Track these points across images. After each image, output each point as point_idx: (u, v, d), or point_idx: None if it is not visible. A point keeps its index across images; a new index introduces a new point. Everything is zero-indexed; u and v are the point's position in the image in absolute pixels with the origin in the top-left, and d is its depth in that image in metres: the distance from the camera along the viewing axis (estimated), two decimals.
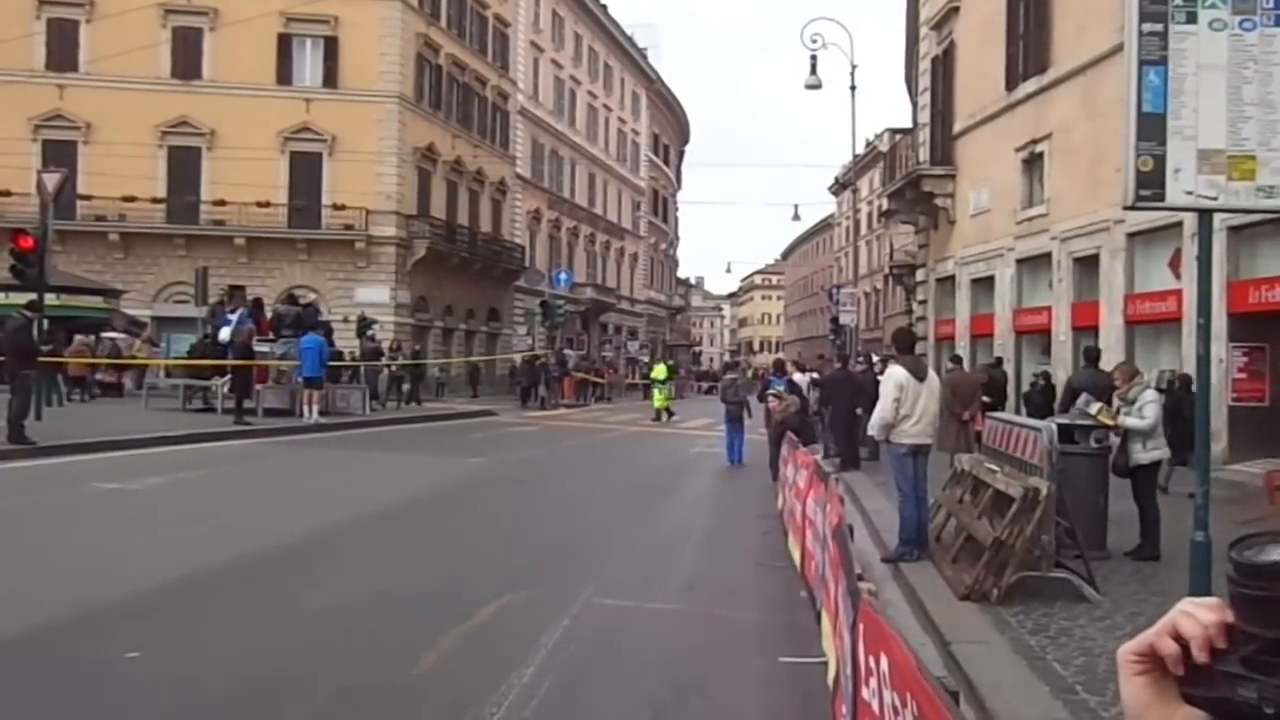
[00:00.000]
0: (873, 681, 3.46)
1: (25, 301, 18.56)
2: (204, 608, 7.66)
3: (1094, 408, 10.78)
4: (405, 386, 35.55)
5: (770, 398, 17.85)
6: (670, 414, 35.20)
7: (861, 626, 3.81)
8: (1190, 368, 12.54)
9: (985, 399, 17.60)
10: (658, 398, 35.90)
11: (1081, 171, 21.30)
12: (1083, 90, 21.25)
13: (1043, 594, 8.14)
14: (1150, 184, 6.64)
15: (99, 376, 30.74)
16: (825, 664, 5.99)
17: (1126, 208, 7.16)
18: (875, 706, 3.41)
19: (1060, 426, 9.37)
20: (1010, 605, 7.88)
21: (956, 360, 20.91)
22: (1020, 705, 5.71)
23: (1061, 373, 20.93)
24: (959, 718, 2.40)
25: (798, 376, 20.81)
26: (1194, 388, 9.24)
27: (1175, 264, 18.54)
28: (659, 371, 37.99)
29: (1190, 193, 6.57)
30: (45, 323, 23.00)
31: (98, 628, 6.92)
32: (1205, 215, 6.99)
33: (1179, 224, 17.50)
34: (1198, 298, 7.13)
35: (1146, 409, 10.14)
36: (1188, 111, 6.52)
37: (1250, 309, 16.15)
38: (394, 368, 34.88)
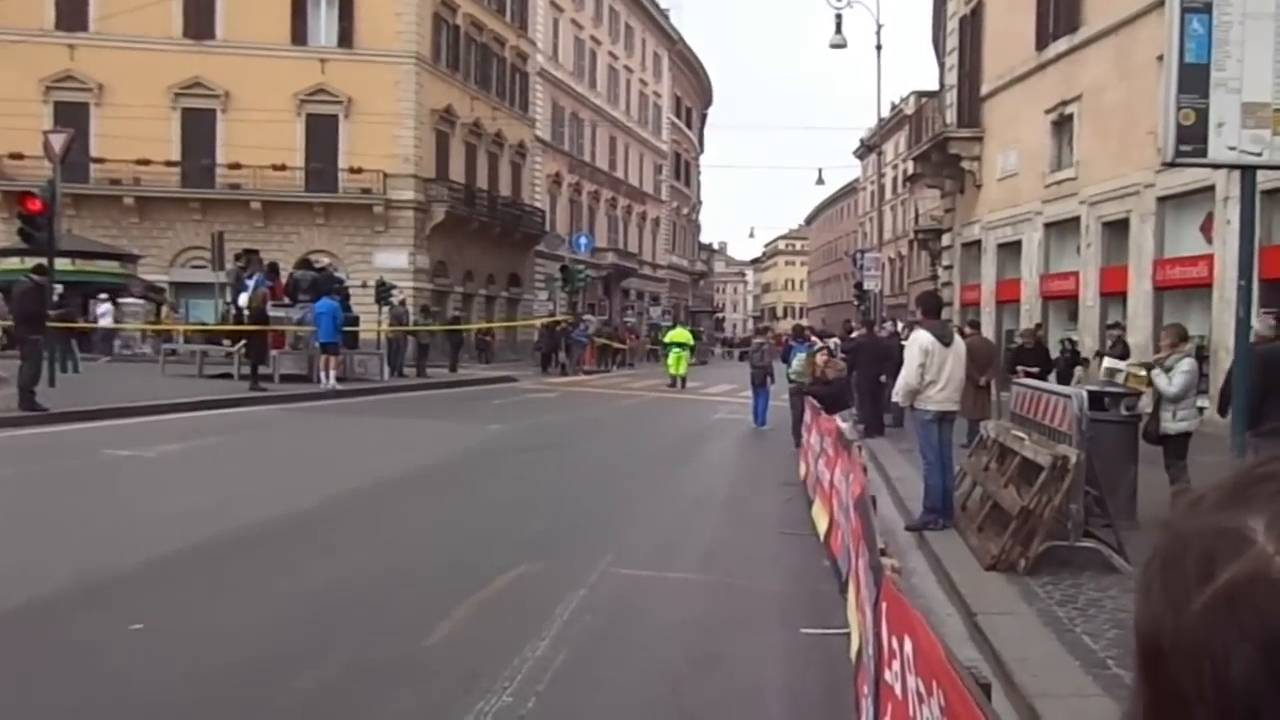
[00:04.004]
0: (895, 664, 3.27)
1: (33, 265, 18.38)
2: (214, 577, 7.56)
3: (1120, 375, 10.53)
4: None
5: (821, 353, 17.51)
6: (684, 381, 33.78)
7: (885, 605, 3.61)
8: (1219, 333, 12.20)
9: (1035, 369, 16.90)
10: (680, 362, 34.26)
11: (1112, 134, 20.94)
12: (1115, 50, 20.85)
13: (1071, 564, 7.95)
14: (1191, 139, 6.35)
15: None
16: (848, 635, 5.83)
17: (1166, 164, 6.89)
18: (898, 690, 3.22)
19: (1090, 393, 9.13)
20: (1038, 575, 7.69)
21: (974, 326, 20.59)
22: (1050, 680, 5.52)
23: (1089, 339, 20.63)
24: (993, 715, 2.18)
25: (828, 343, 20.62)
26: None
27: (1207, 228, 18.22)
28: (681, 335, 36.50)
29: (1233, 148, 6.27)
30: (60, 287, 22.95)
31: (103, 598, 6.84)
32: (1248, 172, 6.69)
33: (1211, 188, 17.17)
34: (1239, 259, 6.88)
35: (1177, 377, 9.85)
36: (1232, 62, 6.20)
37: None
38: (434, 333, 34.60)
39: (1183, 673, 0.68)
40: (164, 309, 34.69)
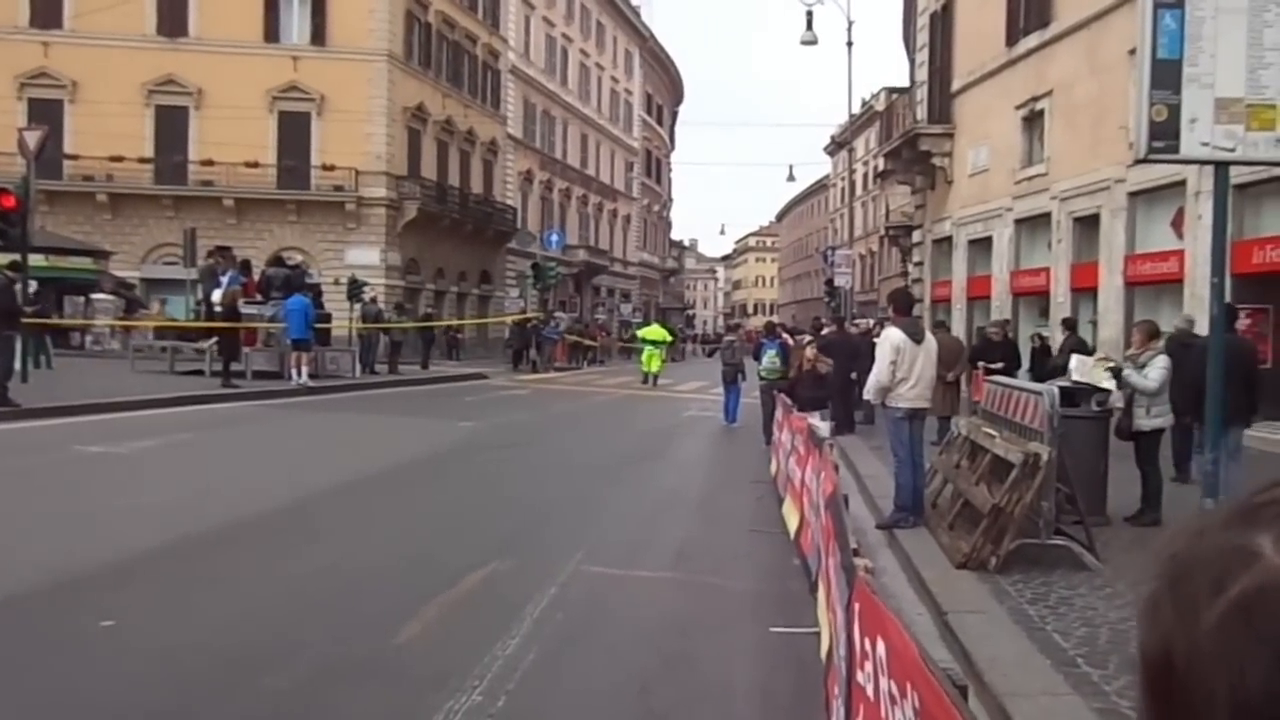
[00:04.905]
0: (868, 666, 3.23)
1: (7, 262, 18.33)
2: (183, 575, 7.51)
3: (1091, 366, 10.55)
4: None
5: (809, 349, 17.40)
6: (656, 379, 33.52)
7: (857, 606, 3.56)
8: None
9: (997, 365, 16.79)
10: (653, 360, 33.85)
11: (1083, 129, 21.01)
12: (1086, 45, 20.92)
13: (1042, 562, 7.94)
14: (1164, 135, 6.32)
15: None
16: (818, 634, 5.80)
17: (1138, 160, 6.86)
18: (870, 692, 3.18)
19: (1061, 389, 9.13)
20: (1008, 573, 7.68)
21: (940, 324, 20.60)
22: (1020, 679, 5.50)
23: (1060, 335, 20.66)
24: (970, 718, 2.14)
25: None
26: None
27: (1177, 223, 18.29)
28: (655, 333, 36.12)
29: (1206, 144, 6.25)
30: (35, 283, 22.87)
31: (73, 596, 6.79)
32: (1221, 168, 6.67)
33: (1182, 182, 17.24)
34: (1212, 256, 6.85)
35: (1154, 372, 9.88)
36: (1205, 58, 6.17)
37: (1254, 269, 15.91)
38: (406, 330, 34.49)
39: (1197, 688, 0.67)
40: (154, 306, 34.52)
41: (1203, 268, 15.28)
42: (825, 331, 21.89)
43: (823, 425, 12.44)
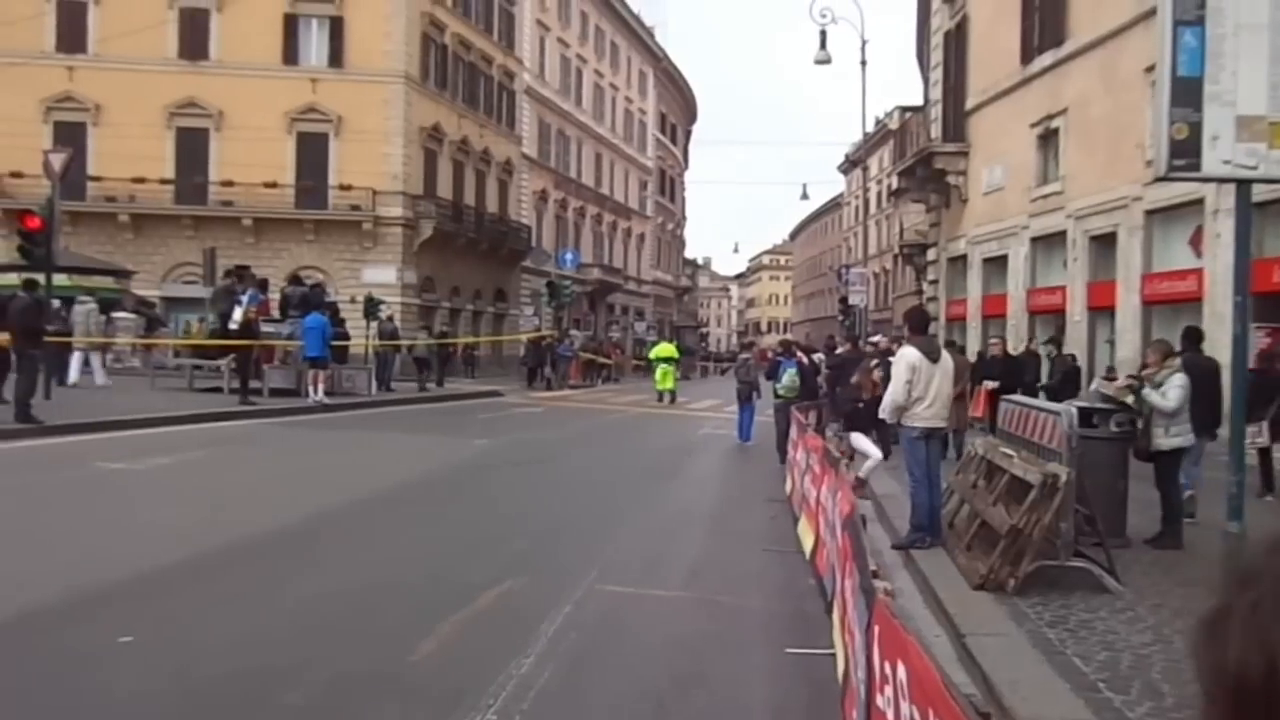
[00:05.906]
0: (888, 690, 3.19)
1: (23, 280, 18.45)
2: (201, 591, 7.51)
3: (1110, 387, 10.48)
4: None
5: (876, 371, 17.16)
6: (673, 396, 33.95)
7: (877, 629, 3.52)
8: (1209, 349, 12.18)
9: (990, 382, 16.74)
10: (667, 377, 34.34)
11: (1099, 147, 20.95)
12: (1101, 63, 20.88)
13: (1061, 584, 7.85)
14: (1185, 153, 6.24)
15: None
16: (834, 656, 5.76)
17: (1159, 178, 6.79)
18: (891, 716, 3.14)
19: (1079, 409, 9.05)
20: (1027, 596, 7.60)
21: (951, 344, 20.51)
22: (1040, 704, 5.43)
23: (1077, 353, 20.57)
24: None
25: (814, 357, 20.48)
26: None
27: (1196, 242, 18.20)
28: (664, 350, 36.31)
29: (1228, 162, 6.17)
30: (57, 302, 23.11)
31: (91, 611, 6.80)
32: (1243, 186, 6.59)
33: (1200, 200, 17.16)
34: (1235, 274, 6.76)
35: (1171, 392, 9.80)
36: (1226, 75, 6.11)
37: (1272, 288, 15.82)
38: (431, 347, 34.70)
39: None
40: (195, 325, 34.79)
41: (1222, 286, 15.22)
42: (839, 350, 21.79)
43: (875, 450, 12.48)
